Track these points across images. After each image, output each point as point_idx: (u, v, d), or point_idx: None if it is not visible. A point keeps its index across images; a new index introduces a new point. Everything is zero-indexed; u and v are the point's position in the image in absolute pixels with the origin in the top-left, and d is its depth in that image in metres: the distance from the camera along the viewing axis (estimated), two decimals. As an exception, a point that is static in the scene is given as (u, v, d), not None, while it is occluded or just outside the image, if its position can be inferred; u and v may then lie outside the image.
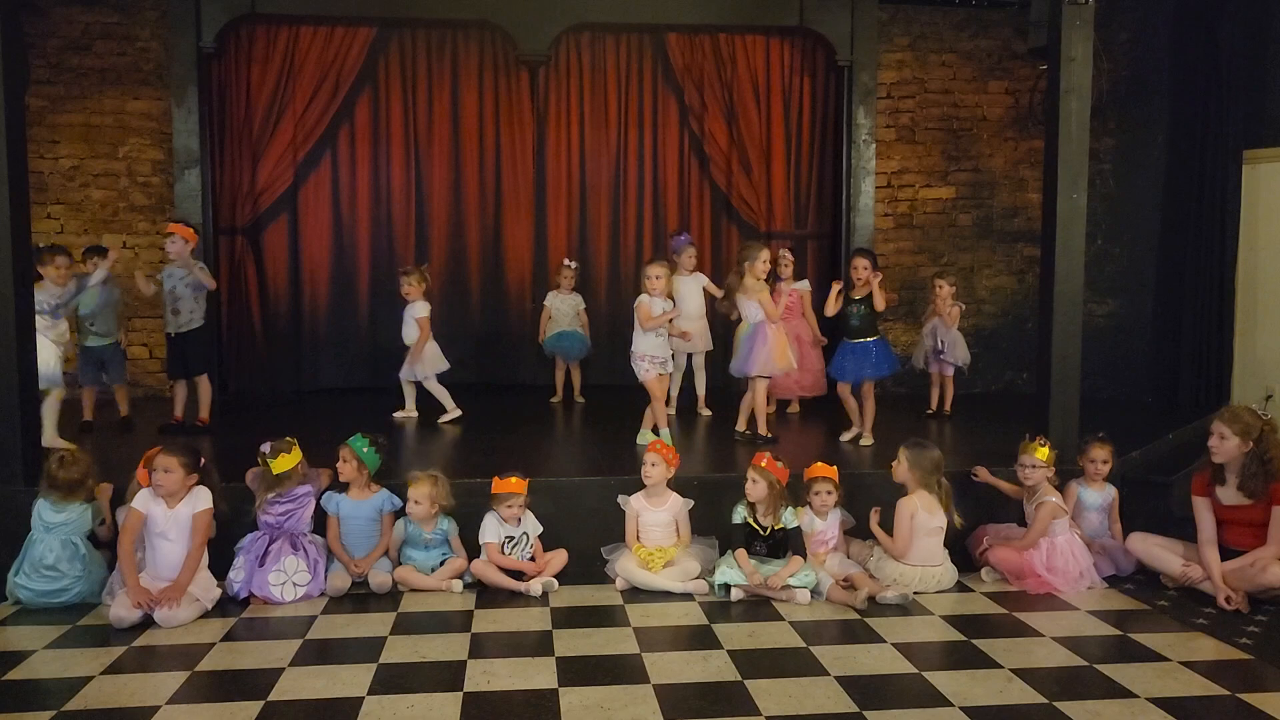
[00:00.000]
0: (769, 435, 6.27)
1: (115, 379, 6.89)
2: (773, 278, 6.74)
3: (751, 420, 6.38)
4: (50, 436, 5.76)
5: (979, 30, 8.77)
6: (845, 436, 6.38)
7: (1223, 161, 7.86)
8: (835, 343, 6.60)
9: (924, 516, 4.97)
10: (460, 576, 4.97)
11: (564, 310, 7.84)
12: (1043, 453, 5.15)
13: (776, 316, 6.31)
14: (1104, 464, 5.38)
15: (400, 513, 5.07)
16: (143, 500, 4.60)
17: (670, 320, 6.20)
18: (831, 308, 6.32)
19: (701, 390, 7.43)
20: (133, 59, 8.13)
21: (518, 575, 4.94)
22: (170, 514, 4.58)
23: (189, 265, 6.49)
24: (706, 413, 7.33)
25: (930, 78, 8.78)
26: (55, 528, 4.68)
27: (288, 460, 4.87)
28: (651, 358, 6.12)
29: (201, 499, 4.65)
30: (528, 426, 7.06)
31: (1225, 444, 4.82)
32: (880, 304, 6.19)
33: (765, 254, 6.32)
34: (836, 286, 6.34)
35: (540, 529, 5.10)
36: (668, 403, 7.22)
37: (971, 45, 8.78)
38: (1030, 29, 8.08)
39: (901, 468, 5.06)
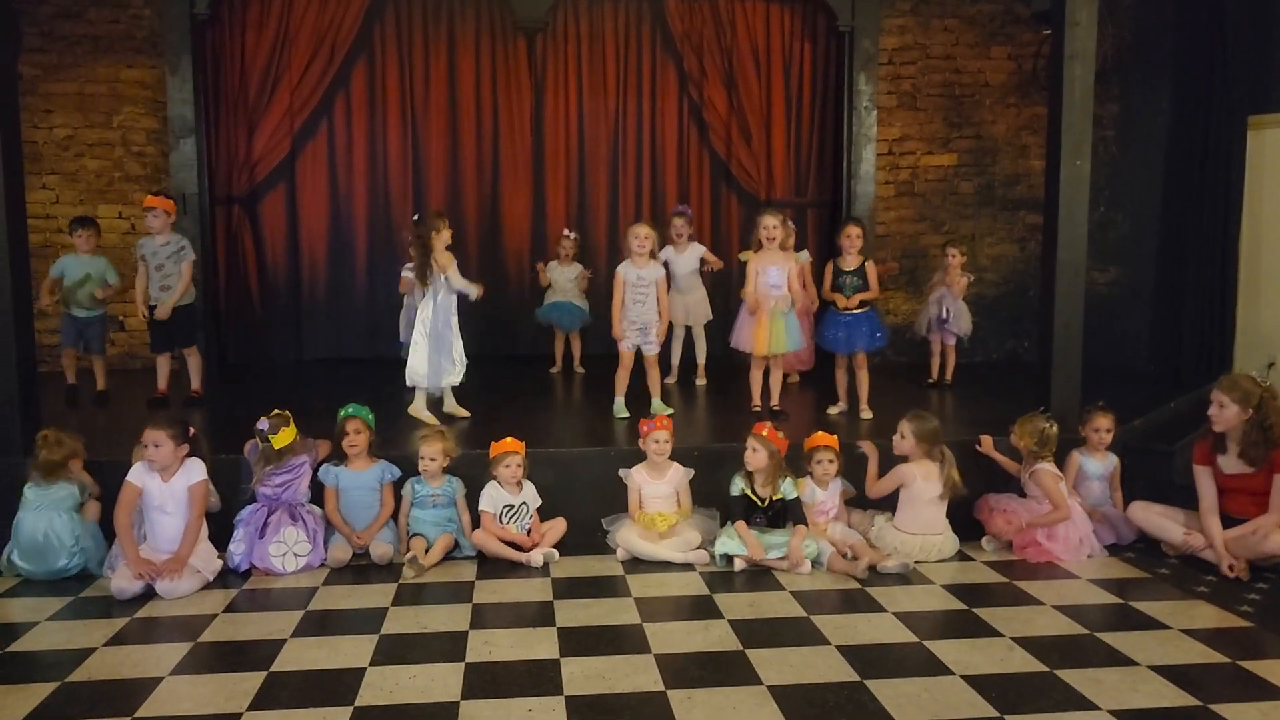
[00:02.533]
0: (755, 408, 6.22)
1: (95, 350, 6.68)
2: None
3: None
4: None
5: (981, -6, 8.66)
6: (833, 410, 6.30)
7: (1227, 127, 7.76)
8: (821, 314, 6.46)
9: (923, 485, 4.98)
10: (453, 550, 4.99)
11: (562, 281, 7.79)
12: (1023, 433, 5.18)
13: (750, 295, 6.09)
14: (1107, 432, 5.36)
15: (400, 482, 5.07)
16: (138, 474, 4.58)
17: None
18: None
19: (701, 359, 7.42)
20: (126, 26, 8.02)
21: (517, 546, 4.94)
22: (165, 487, 4.57)
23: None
24: (702, 381, 7.32)
25: (932, 43, 8.66)
26: (41, 506, 4.62)
27: (288, 434, 4.87)
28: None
29: (196, 470, 4.64)
30: (527, 397, 7.03)
31: (1225, 412, 4.81)
32: (875, 289, 6.16)
33: (764, 220, 6.07)
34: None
35: (539, 502, 5.09)
36: (668, 372, 7.21)
37: (974, 10, 8.66)
38: (1033, -7, 8.02)
39: (906, 442, 5.05)
